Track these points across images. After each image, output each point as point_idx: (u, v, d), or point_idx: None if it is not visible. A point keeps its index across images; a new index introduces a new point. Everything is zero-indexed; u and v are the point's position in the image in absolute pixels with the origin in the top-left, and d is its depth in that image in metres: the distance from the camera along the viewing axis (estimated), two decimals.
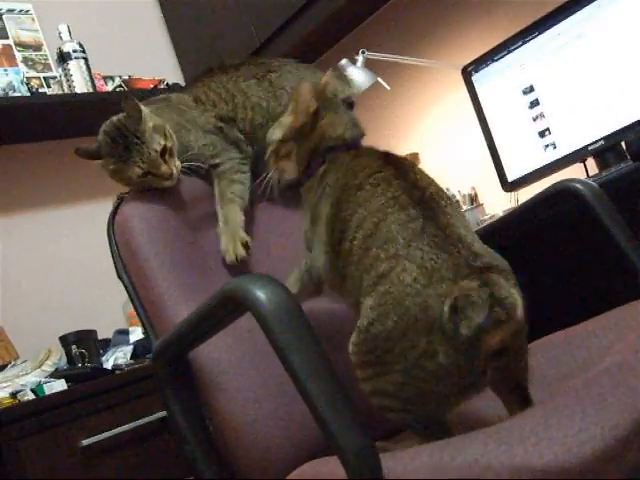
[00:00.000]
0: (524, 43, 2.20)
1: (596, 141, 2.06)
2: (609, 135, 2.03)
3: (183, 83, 3.10)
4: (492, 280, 0.98)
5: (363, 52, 2.48)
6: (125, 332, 2.46)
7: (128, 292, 1.45)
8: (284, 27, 2.70)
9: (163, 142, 1.47)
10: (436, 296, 0.99)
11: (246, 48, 2.83)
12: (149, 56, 3.13)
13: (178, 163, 1.50)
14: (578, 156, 2.12)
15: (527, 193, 2.25)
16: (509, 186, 2.27)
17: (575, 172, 2.12)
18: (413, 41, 2.72)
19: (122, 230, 1.45)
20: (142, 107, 1.49)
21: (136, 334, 2.44)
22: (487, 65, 2.29)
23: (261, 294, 0.85)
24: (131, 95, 1.48)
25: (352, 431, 0.79)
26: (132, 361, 2.26)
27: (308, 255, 1.33)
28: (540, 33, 2.15)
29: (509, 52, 2.24)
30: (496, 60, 2.27)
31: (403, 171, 1.20)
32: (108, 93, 2.82)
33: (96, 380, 2.09)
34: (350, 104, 1.80)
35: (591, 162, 2.13)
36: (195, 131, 1.58)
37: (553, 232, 1.91)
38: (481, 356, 0.97)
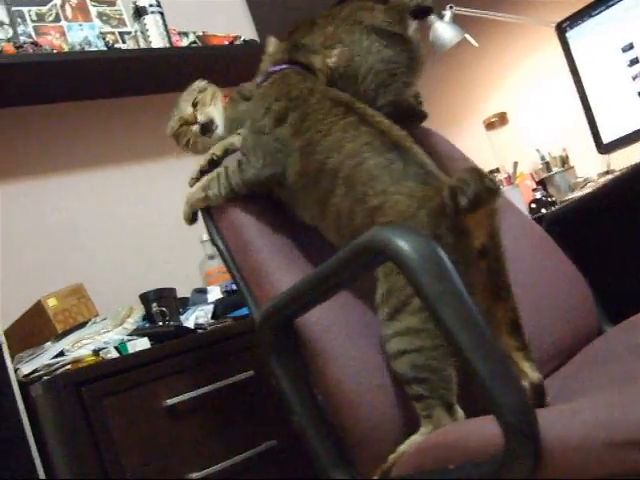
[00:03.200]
0: None
1: None
2: None
3: (258, 40, 3.04)
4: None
5: (451, 7, 2.40)
6: (203, 291, 2.44)
7: (223, 258, 1.43)
8: None
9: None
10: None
11: (322, 3, 2.74)
12: (223, 12, 3.07)
13: None
14: None
15: (621, 156, 2.17)
16: (604, 148, 2.18)
17: None
18: None
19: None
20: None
21: (214, 293, 2.41)
22: (583, 21, 2.19)
23: (404, 243, 0.81)
24: None
25: (509, 387, 0.76)
26: (213, 320, 2.24)
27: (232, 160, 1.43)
28: None
29: (607, 7, 2.13)
30: (593, 16, 2.16)
31: (366, 116, 1.33)
32: (185, 48, 2.76)
33: (179, 339, 2.07)
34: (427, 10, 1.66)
35: None
36: None
37: None
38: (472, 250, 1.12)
